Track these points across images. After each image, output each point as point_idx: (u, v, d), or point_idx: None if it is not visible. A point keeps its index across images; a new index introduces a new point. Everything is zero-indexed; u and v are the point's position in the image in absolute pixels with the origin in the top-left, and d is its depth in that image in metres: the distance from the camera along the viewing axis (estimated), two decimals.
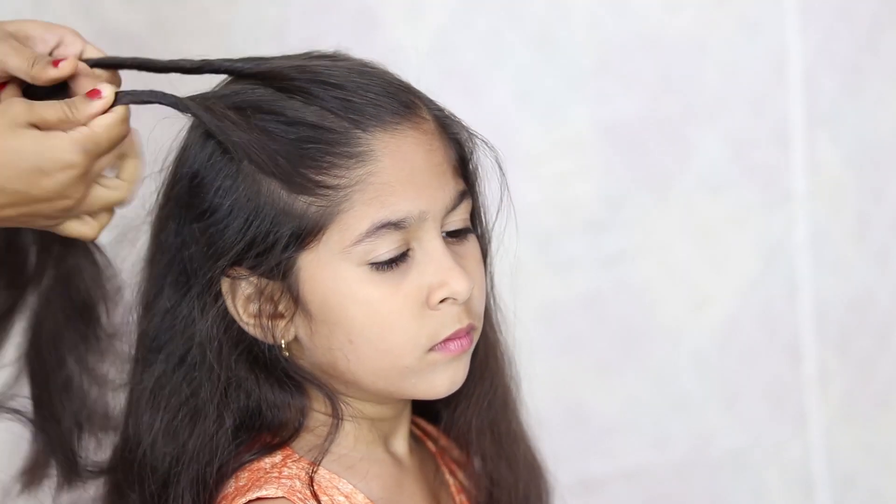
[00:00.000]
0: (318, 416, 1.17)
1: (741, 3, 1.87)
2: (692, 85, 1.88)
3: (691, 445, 1.95)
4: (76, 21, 1.61)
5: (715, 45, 1.87)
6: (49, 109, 1.09)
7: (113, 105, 1.10)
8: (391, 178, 1.11)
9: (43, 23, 1.15)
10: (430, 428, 1.31)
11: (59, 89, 1.13)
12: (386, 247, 1.11)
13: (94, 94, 1.10)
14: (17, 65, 1.11)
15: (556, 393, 1.89)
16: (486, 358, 1.24)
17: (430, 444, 1.30)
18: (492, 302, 1.24)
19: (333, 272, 1.11)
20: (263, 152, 1.10)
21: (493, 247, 1.22)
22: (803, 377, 1.98)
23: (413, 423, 1.28)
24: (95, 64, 1.14)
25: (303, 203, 1.10)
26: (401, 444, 1.23)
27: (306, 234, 1.11)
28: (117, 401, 1.22)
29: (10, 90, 1.12)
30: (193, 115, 1.12)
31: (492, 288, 1.24)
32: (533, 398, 1.34)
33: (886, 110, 1.94)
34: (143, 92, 1.12)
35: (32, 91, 1.13)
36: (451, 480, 1.29)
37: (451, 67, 1.79)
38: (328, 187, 1.10)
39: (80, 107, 1.09)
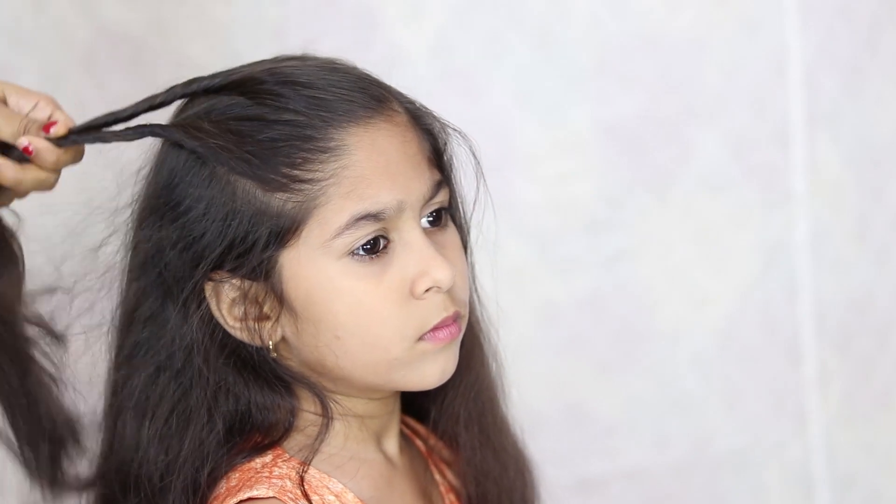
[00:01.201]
0: (308, 415, 1.18)
1: (741, 3, 1.87)
2: (692, 85, 1.88)
3: (691, 445, 1.95)
4: (75, 20, 1.61)
5: (715, 45, 1.87)
6: (7, 126, 1.12)
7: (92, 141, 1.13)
8: (367, 170, 1.11)
9: (20, 88, 1.16)
10: (419, 427, 1.31)
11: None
12: (366, 238, 1.11)
13: (48, 127, 1.13)
14: (10, 132, 1.13)
15: (556, 393, 1.89)
16: (472, 349, 1.24)
17: (420, 443, 1.30)
18: (474, 294, 1.24)
19: (315, 268, 1.12)
20: (235, 154, 1.10)
21: (473, 236, 1.23)
22: (803, 377, 1.97)
23: (402, 421, 1.28)
24: (74, 131, 1.15)
25: (279, 200, 1.11)
26: (392, 443, 1.23)
27: (285, 231, 1.11)
28: (89, 405, 1.22)
29: (3, 163, 1.13)
30: (167, 137, 1.13)
31: (473, 280, 1.24)
32: (533, 398, 1.34)
33: (886, 110, 1.94)
34: (125, 132, 1.14)
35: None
36: (439, 479, 1.29)
37: (451, 67, 1.78)
38: (303, 182, 1.10)
39: (33, 132, 1.13)
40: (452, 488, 1.29)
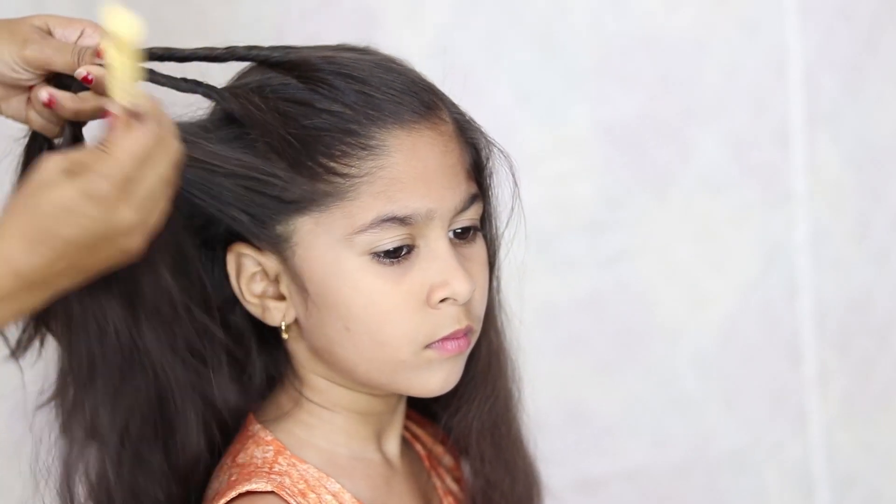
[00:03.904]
0: (314, 408, 1.19)
1: (741, 3, 1.88)
2: (692, 85, 1.88)
3: (691, 445, 1.95)
4: None
5: (715, 45, 1.87)
6: (60, 57, 1.11)
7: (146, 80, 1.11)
8: (402, 174, 1.11)
9: (63, 18, 1.15)
10: (420, 432, 1.31)
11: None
12: (389, 240, 1.11)
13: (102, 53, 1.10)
14: (64, 63, 1.12)
15: (556, 393, 1.89)
16: (489, 362, 1.24)
17: (420, 448, 1.30)
18: (497, 306, 1.24)
19: (335, 257, 1.12)
20: (279, 133, 1.10)
21: (501, 253, 1.23)
22: (803, 377, 1.98)
23: (404, 425, 1.28)
24: None
25: (309, 185, 1.11)
26: (393, 444, 1.24)
27: (309, 202, 1.11)
28: None
29: (60, 95, 1.12)
30: (221, 103, 1.13)
31: (498, 292, 1.24)
32: (533, 398, 1.34)
33: (886, 110, 1.94)
34: (179, 80, 1.14)
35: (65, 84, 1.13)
36: (438, 485, 1.29)
37: (451, 67, 1.78)
38: (337, 174, 1.10)
39: (88, 59, 1.11)
40: (451, 493, 1.30)
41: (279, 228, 1.12)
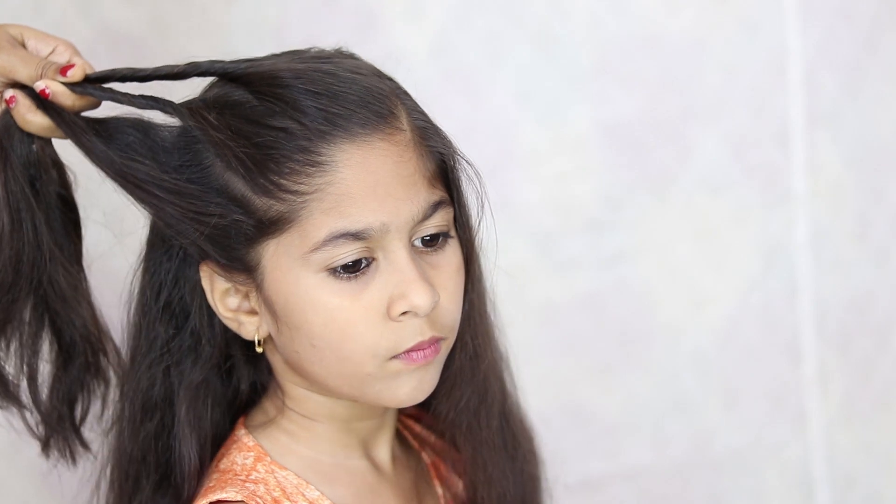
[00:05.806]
0: (293, 415, 1.19)
1: (741, 3, 1.87)
2: (692, 85, 1.88)
3: (691, 445, 1.95)
4: (75, 20, 1.61)
5: (715, 45, 1.87)
6: (24, 68, 1.13)
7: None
8: (352, 189, 1.10)
9: (39, 32, 1.17)
10: (429, 435, 1.31)
11: None
12: (345, 256, 1.11)
13: (65, 70, 1.13)
14: (27, 74, 1.13)
15: (556, 393, 1.89)
16: (462, 366, 1.22)
17: (426, 455, 1.29)
18: (475, 309, 1.22)
19: (295, 277, 1.12)
20: (232, 151, 1.10)
21: (492, 260, 1.22)
22: (803, 377, 1.98)
23: (409, 429, 1.28)
24: (90, 79, 1.15)
25: (264, 203, 1.11)
26: (382, 450, 1.23)
27: (268, 225, 1.11)
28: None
29: (22, 101, 1.14)
30: (178, 118, 1.13)
31: (473, 294, 1.22)
32: (533, 398, 1.34)
33: (886, 110, 1.94)
34: (138, 97, 1.15)
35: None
36: (441, 493, 1.28)
37: (451, 67, 1.78)
38: (288, 192, 1.10)
39: (50, 75, 1.13)
40: (455, 498, 1.29)
41: (247, 258, 1.13)
